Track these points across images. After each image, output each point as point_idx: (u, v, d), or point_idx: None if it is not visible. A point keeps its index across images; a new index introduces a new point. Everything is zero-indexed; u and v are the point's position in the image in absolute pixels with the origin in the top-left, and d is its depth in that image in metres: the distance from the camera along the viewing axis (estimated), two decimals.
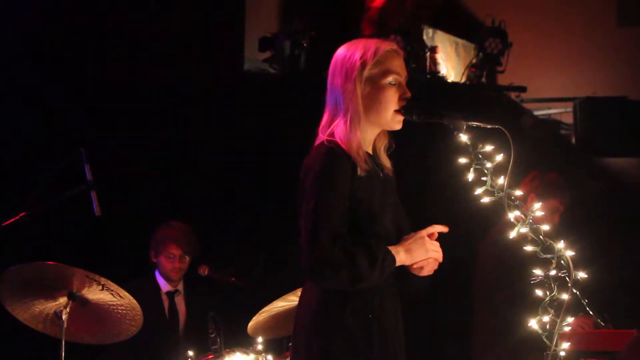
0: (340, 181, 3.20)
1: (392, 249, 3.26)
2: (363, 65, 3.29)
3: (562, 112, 8.30)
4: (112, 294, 4.60)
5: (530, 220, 3.38)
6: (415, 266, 3.34)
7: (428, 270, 3.37)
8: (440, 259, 3.38)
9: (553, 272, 3.38)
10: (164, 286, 5.84)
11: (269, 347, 5.02)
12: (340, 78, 3.31)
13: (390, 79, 3.31)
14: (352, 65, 3.29)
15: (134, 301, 4.65)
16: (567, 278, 3.38)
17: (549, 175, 5.38)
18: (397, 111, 3.32)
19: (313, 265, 3.15)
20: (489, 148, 3.35)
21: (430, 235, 3.35)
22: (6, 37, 6.79)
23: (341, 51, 3.37)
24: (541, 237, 3.38)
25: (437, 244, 3.36)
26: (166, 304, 5.84)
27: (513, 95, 7.88)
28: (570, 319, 3.42)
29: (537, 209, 3.40)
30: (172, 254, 5.75)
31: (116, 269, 5.06)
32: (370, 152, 3.38)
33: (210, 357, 4.86)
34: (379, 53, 3.31)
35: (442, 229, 3.38)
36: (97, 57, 6.91)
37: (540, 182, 5.28)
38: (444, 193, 5.44)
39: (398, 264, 3.28)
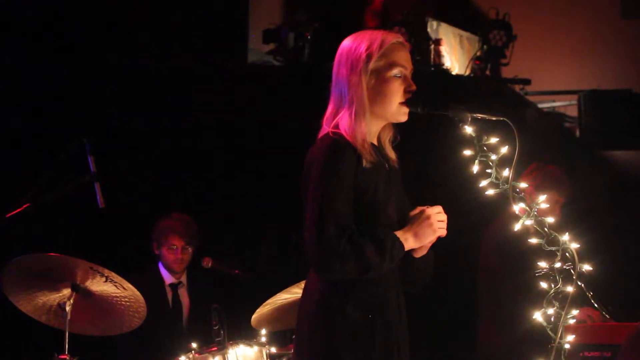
0: (346, 172, 3.19)
1: (400, 235, 3.27)
2: (369, 57, 3.28)
3: (566, 105, 8.28)
4: (115, 286, 4.60)
5: (535, 213, 3.38)
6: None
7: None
8: (445, 234, 3.38)
9: (558, 265, 3.38)
10: (167, 278, 5.85)
11: (273, 339, 5.01)
12: (346, 70, 3.30)
13: (395, 71, 3.31)
14: (358, 57, 3.29)
15: (138, 293, 4.65)
16: (572, 270, 3.38)
17: (548, 168, 5.36)
18: (402, 103, 3.32)
19: (321, 257, 3.15)
20: (493, 140, 3.34)
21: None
22: (7, 31, 6.79)
23: (347, 43, 3.37)
24: (546, 229, 3.38)
25: (443, 215, 3.36)
26: (170, 295, 5.84)
27: (517, 87, 7.86)
28: (575, 312, 3.42)
29: (542, 201, 3.40)
30: (173, 245, 5.76)
31: (120, 261, 5.06)
32: (375, 143, 3.38)
33: (213, 349, 4.85)
34: (385, 45, 3.31)
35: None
36: (100, 48, 6.90)
37: (538, 175, 5.26)
38: (448, 185, 5.43)
39: (407, 249, 3.29)
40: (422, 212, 3.34)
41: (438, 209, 3.36)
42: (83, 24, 6.98)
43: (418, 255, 3.39)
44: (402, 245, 3.26)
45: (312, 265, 3.23)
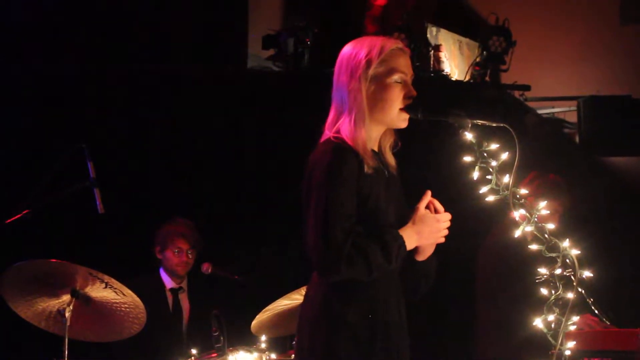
0: (349, 175, 3.20)
1: (403, 232, 3.27)
2: (368, 63, 3.28)
3: (566, 111, 8.28)
4: (115, 292, 4.59)
5: (535, 219, 3.37)
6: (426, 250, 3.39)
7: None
8: (442, 241, 3.40)
9: (558, 271, 3.38)
10: (168, 283, 5.85)
11: (272, 346, 5.01)
12: (346, 76, 3.30)
13: (395, 77, 3.31)
14: (358, 63, 3.29)
15: (137, 299, 4.65)
16: (572, 277, 3.38)
17: (549, 177, 5.35)
18: (402, 109, 3.32)
19: (326, 260, 3.15)
20: (494, 146, 3.34)
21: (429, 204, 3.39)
22: (9, 33, 6.80)
23: (347, 49, 3.37)
24: (546, 235, 3.38)
25: (447, 224, 3.37)
26: (170, 301, 5.84)
27: (517, 93, 7.86)
28: (575, 318, 3.41)
29: (542, 207, 3.40)
30: (179, 247, 5.78)
31: (119, 267, 5.05)
32: (376, 149, 3.38)
33: (213, 355, 4.85)
34: (385, 51, 3.30)
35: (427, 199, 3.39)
36: (100, 53, 6.90)
37: (539, 183, 5.24)
38: (448, 191, 5.42)
39: (409, 247, 3.30)
40: (432, 215, 3.34)
41: (448, 216, 3.37)
42: (83, 27, 6.99)
43: (420, 258, 3.39)
44: (405, 244, 3.26)
45: (316, 268, 3.23)
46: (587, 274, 3.41)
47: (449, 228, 3.39)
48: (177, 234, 5.79)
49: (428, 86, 6.86)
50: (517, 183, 3.40)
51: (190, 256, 5.82)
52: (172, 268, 5.82)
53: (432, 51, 7.49)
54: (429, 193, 3.38)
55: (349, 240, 3.14)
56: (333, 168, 3.19)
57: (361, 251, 3.15)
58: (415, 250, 3.38)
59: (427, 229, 3.33)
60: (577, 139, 7.89)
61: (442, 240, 3.39)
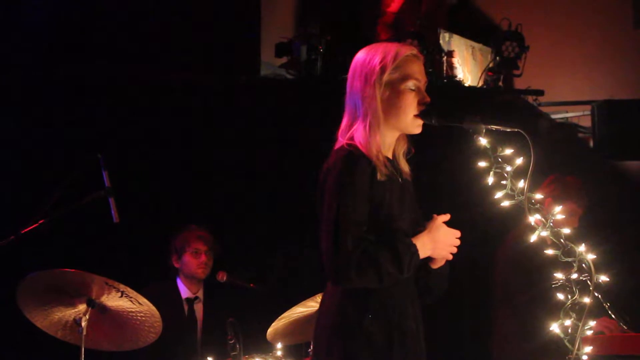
0: (361, 183, 3.20)
1: (419, 243, 3.26)
2: (382, 69, 3.29)
3: (580, 116, 8.26)
4: (131, 301, 4.60)
5: (551, 224, 3.37)
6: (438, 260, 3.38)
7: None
8: (450, 258, 3.40)
9: (574, 276, 3.37)
10: (184, 292, 5.85)
11: (288, 353, 5.01)
12: (360, 82, 3.31)
13: (409, 84, 3.31)
14: (372, 69, 3.29)
15: (154, 308, 4.65)
16: (588, 281, 3.37)
17: (567, 178, 5.36)
18: (416, 116, 3.32)
19: (337, 268, 3.15)
20: (508, 152, 3.34)
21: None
22: (28, 40, 6.83)
23: (361, 55, 3.37)
24: (562, 240, 3.37)
25: (458, 235, 3.36)
26: (185, 310, 5.84)
27: (530, 98, 7.85)
28: (592, 323, 3.41)
29: (558, 212, 3.39)
30: (197, 249, 5.79)
31: (135, 276, 5.06)
32: (390, 156, 3.38)
33: None
34: (399, 58, 3.31)
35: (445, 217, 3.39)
36: (112, 60, 6.92)
37: (557, 186, 5.25)
38: (463, 197, 5.42)
39: (423, 256, 3.29)
40: (448, 228, 3.34)
41: (459, 233, 3.37)
42: (95, 33, 7.02)
43: (436, 266, 3.39)
44: (418, 253, 3.26)
45: (328, 275, 3.23)
46: (603, 278, 3.41)
47: (463, 235, 3.39)
48: (193, 237, 5.82)
49: (441, 92, 6.85)
50: (535, 187, 3.39)
51: (209, 257, 5.84)
52: (192, 273, 5.81)
53: (445, 57, 7.49)
54: (448, 216, 3.37)
55: (359, 248, 3.14)
56: (345, 176, 3.19)
57: (372, 259, 3.15)
58: (430, 258, 3.37)
59: (442, 238, 3.32)
60: (591, 144, 7.87)
61: (450, 257, 3.39)
